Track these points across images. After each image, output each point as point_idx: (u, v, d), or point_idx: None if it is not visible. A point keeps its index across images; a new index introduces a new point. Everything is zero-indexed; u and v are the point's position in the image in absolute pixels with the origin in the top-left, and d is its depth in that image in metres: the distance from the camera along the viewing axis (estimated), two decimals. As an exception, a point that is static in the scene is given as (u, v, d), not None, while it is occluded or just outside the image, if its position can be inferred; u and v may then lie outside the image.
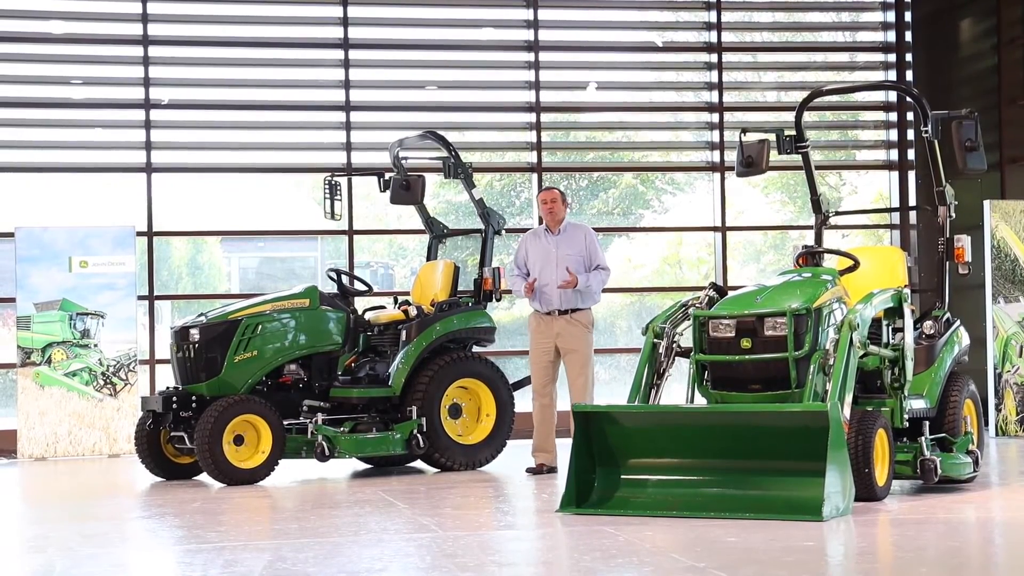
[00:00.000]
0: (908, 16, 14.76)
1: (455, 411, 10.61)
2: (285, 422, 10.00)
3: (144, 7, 13.64)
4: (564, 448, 8.55)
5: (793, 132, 9.36)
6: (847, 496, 7.25)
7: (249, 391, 10.11)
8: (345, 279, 11.04)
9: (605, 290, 10.42)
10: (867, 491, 7.61)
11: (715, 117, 14.59)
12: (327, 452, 9.98)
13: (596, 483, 7.74)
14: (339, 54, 14.02)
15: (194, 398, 9.99)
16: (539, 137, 14.26)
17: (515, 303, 14.39)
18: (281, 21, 14.07)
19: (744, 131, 9.36)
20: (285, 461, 10.01)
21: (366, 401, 10.39)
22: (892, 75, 14.80)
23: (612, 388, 14.75)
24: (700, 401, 8.13)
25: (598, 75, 14.74)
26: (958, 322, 9.01)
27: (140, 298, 13.22)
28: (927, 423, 8.32)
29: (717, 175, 14.57)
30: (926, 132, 8.89)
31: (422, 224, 11.71)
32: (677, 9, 15.01)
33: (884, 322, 8.37)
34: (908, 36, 14.75)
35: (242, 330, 10.13)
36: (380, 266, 16.20)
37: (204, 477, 10.07)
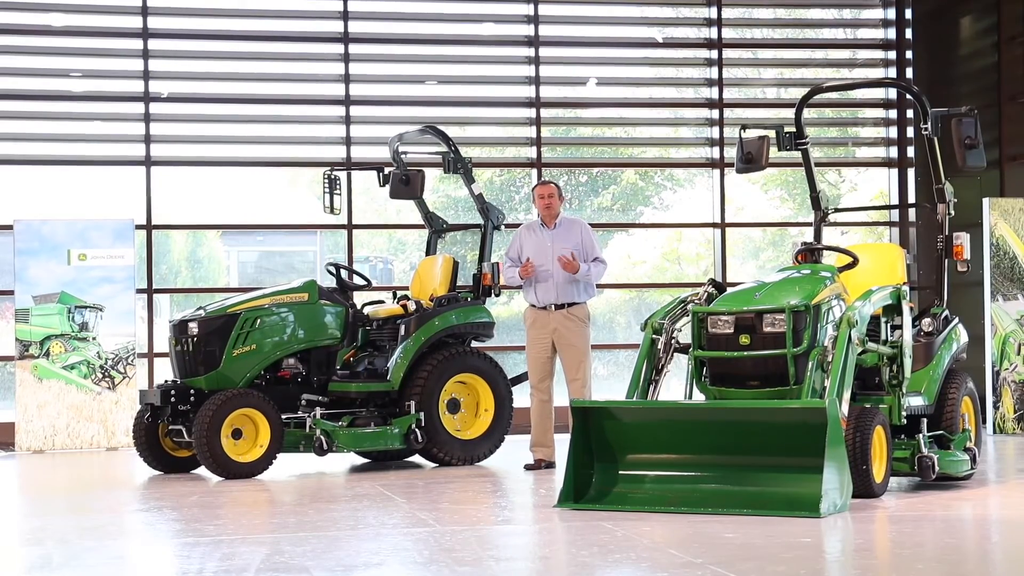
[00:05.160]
0: (909, 13, 14.76)
1: (453, 406, 10.61)
2: (283, 416, 10.00)
3: (144, 0, 13.63)
4: (562, 443, 8.55)
5: (793, 129, 9.35)
6: (845, 493, 7.26)
7: (247, 385, 10.11)
8: (344, 273, 11.03)
9: (604, 285, 10.42)
10: (865, 488, 7.61)
11: (715, 113, 14.58)
12: (325, 446, 9.98)
13: (594, 478, 7.75)
14: (339, 48, 14.01)
15: (192, 392, 9.99)
16: (539, 132, 14.25)
17: (514, 298, 14.38)
18: (281, 15, 14.06)
19: (744, 127, 9.35)
20: (283, 455, 10.01)
21: (364, 395, 10.39)
22: (892, 72, 14.79)
23: (611, 384, 14.76)
24: (698, 397, 8.14)
25: (598, 71, 14.73)
26: (956, 319, 9.01)
27: (139, 291, 13.22)
28: (925, 420, 8.32)
29: (717, 171, 14.57)
30: (926, 129, 8.89)
31: (421, 219, 11.70)
32: (677, 5, 14.98)
33: (883, 319, 8.38)
34: (908, 33, 14.75)
35: (241, 324, 10.13)
36: (379, 261, 16.20)
37: (202, 471, 10.08)
